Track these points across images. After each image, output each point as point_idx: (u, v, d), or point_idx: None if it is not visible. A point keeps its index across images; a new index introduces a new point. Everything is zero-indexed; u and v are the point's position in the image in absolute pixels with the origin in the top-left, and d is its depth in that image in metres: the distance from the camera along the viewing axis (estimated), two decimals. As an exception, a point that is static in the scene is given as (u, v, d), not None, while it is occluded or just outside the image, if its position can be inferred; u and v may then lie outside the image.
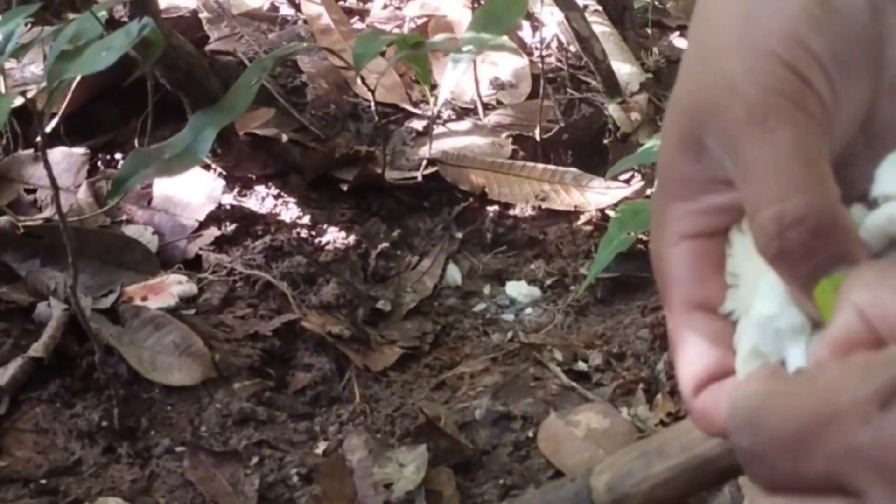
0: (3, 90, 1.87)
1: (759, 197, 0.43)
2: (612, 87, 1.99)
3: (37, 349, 1.45)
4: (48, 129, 1.90)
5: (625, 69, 2.04)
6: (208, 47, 2.08)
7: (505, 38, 1.67)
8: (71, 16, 1.71)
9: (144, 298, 1.57)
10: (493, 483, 1.38)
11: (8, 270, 1.64)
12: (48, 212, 1.83)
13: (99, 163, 1.93)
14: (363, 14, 2.42)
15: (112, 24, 1.36)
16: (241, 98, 1.55)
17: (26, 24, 1.32)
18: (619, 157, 1.88)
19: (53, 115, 1.33)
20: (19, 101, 1.24)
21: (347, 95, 2.12)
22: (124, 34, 1.21)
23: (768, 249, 0.43)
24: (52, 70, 1.22)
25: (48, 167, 1.27)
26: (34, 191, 1.87)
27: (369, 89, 1.74)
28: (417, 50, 1.71)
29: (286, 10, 2.36)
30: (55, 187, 1.27)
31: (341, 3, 2.40)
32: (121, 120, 2.02)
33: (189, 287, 1.61)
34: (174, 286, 1.60)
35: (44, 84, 1.92)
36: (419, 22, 2.34)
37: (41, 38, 1.41)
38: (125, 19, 1.47)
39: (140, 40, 1.21)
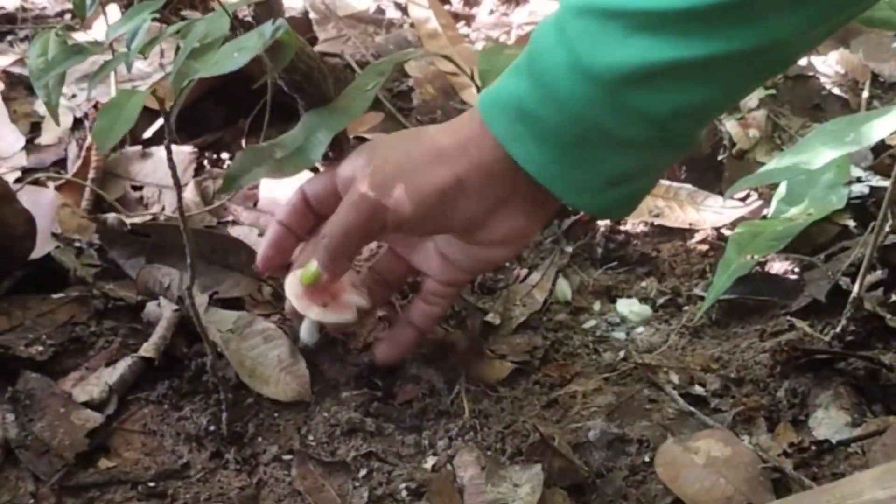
0: (114, 86, 1.87)
1: None
2: (730, 102, 1.92)
3: (147, 349, 1.43)
4: (156, 126, 1.90)
5: (742, 84, 1.97)
6: (316, 48, 2.05)
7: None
8: (187, 12, 1.70)
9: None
10: (607, 507, 1.33)
11: (115, 267, 1.63)
12: (155, 209, 1.82)
13: (205, 161, 1.91)
14: (469, 19, 2.39)
15: (236, 22, 1.34)
16: (357, 102, 1.50)
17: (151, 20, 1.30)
18: (736, 175, 1.82)
19: (163, 112, 1.31)
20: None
21: (454, 101, 2.09)
22: (257, 35, 1.18)
23: None
24: (182, 69, 1.19)
25: (172, 167, 1.25)
26: (140, 188, 1.87)
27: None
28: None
29: (392, 13, 2.33)
30: (178, 187, 1.25)
31: (447, 7, 2.37)
32: (227, 119, 2.01)
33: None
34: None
35: (157, 78, 1.92)
36: (527, 29, 2.30)
37: (164, 35, 1.39)
38: (248, 18, 1.44)
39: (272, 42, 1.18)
